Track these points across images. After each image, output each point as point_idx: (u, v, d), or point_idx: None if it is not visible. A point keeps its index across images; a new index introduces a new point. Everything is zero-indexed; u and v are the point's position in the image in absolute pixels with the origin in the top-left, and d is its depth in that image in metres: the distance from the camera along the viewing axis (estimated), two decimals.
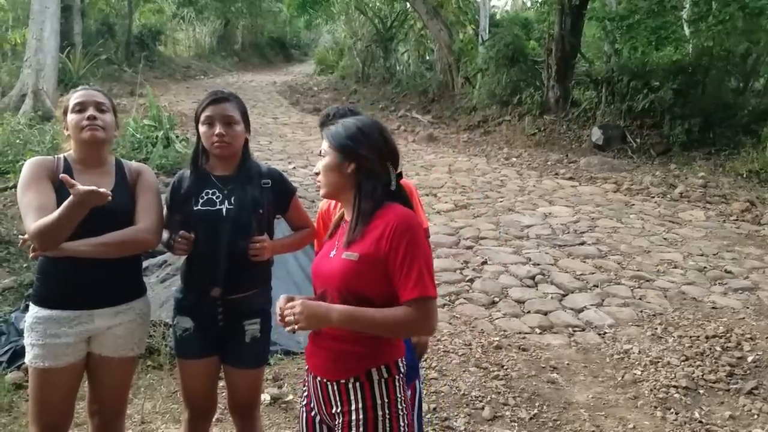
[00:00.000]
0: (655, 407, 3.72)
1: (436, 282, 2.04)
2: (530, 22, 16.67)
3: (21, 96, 11.14)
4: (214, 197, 2.44)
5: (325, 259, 2.00)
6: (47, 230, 2.11)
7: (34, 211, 2.16)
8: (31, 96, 10.89)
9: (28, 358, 2.32)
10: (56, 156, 2.39)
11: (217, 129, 2.39)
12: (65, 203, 2.08)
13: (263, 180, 2.51)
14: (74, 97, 2.39)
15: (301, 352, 4.28)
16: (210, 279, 2.42)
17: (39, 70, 11.20)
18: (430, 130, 13.55)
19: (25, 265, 5.09)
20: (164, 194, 2.56)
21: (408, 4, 17.67)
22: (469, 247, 6.55)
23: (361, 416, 1.89)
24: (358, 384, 1.91)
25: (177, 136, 9.01)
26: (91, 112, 2.33)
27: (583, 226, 7.33)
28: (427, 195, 8.52)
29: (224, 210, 2.42)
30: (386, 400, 1.90)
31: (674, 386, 3.93)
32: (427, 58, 19.57)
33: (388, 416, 1.89)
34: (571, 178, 9.78)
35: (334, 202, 2.58)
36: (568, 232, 7.12)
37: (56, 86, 11.68)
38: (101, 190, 2.05)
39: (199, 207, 2.43)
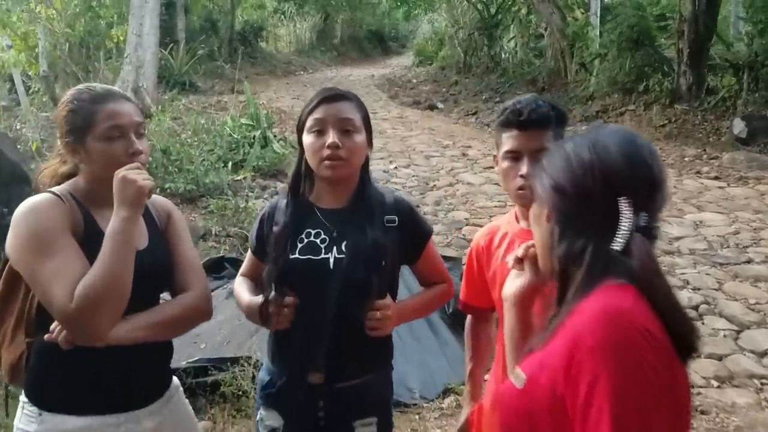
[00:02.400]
0: None
1: None
2: (648, 4, 15.11)
3: None
4: (318, 241, 1.69)
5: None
6: (103, 293, 1.44)
7: (66, 281, 1.46)
8: (131, 94, 10.73)
9: None
10: (59, 194, 1.58)
11: (330, 137, 1.61)
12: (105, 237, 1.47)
13: (387, 216, 1.71)
14: (104, 113, 1.57)
15: (414, 404, 3.53)
16: (308, 360, 1.67)
17: (138, 66, 11.05)
18: None
19: None
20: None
21: None
22: None
23: None
24: None
25: (275, 135, 8.52)
26: (134, 142, 1.58)
27: (745, 239, 6.08)
28: None
29: (332, 260, 1.66)
30: None
31: None
32: (532, 45, 18.33)
33: None
34: (716, 178, 8.41)
35: (497, 233, 1.75)
36: (728, 246, 5.90)
37: (156, 83, 11.53)
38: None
39: (297, 255, 1.67)
